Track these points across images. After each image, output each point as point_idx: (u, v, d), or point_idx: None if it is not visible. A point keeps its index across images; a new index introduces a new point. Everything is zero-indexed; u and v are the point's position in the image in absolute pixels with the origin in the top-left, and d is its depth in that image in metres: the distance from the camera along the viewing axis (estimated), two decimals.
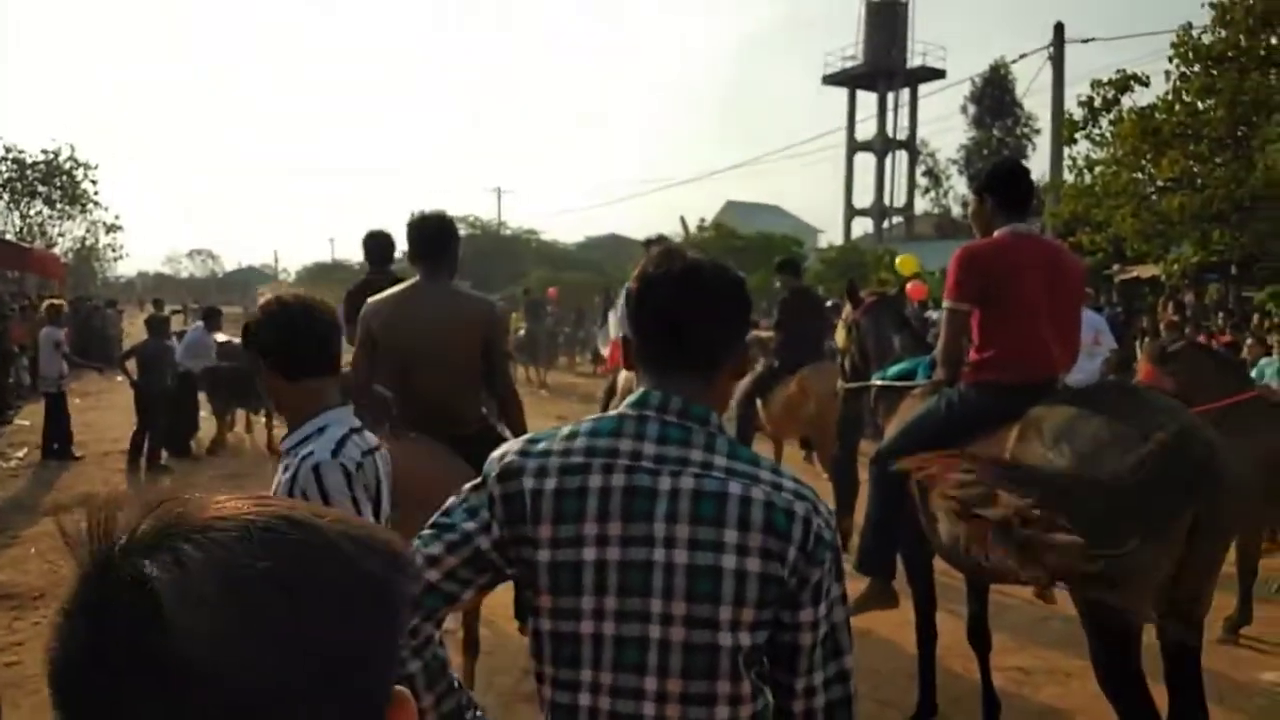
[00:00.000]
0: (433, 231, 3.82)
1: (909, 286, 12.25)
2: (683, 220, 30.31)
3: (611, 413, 1.53)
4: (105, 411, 14.29)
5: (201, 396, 11.26)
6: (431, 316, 3.66)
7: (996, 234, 3.61)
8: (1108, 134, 14.11)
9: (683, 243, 28.76)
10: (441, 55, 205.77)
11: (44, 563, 6.38)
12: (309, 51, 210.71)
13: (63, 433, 10.81)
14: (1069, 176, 15.44)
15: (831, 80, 41.22)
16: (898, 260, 17.79)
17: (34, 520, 7.58)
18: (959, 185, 44.49)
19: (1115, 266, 15.71)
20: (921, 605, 4.13)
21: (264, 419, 11.39)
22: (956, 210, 43.56)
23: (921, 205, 43.44)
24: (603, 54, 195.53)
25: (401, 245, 4.53)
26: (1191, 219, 13.13)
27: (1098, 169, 14.37)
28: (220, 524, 0.60)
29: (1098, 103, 13.86)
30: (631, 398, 1.52)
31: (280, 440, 2.48)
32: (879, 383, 4.53)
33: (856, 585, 4.07)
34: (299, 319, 2.25)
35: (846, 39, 46.45)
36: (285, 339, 2.24)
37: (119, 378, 12.32)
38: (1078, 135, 14.33)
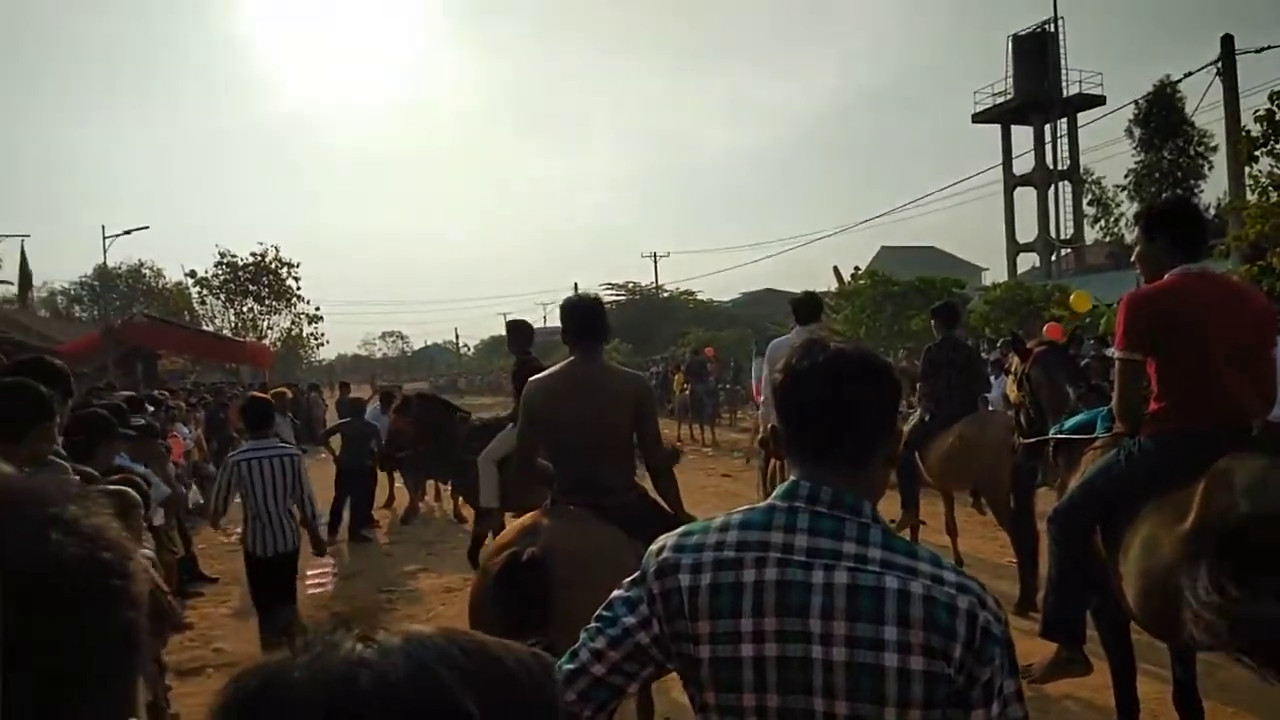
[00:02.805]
0: (586, 313, 4.03)
1: (1046, 327, 11.59)
2: (836, 270, 30.07)
3: (762, 504, 1.53)
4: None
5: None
6: (587, 393, 3.85)
7: (1167, 276, 3.45)
8: None
9: (834, 292, 28.19)
10: (590, 133, 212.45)
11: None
12: (460, 134, 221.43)
13: None
14: (1251, 196, 14.46)
15: (982, 118, 40.11)
16: (1071, 298, 17.04)
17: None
18: (1130, 211, 42.35)
19: None
20: (1119, 672, 3.85)
21: (450, 489, 11.95)
22: (1130, 237, 41.40)
23: (1090, 235, 41.52)
24: (746, 108, 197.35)
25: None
26: None
27: None
28: (412, 633, 0.67)
29: (1279, 115, 12.96)
30: (781, 488, 1.52)
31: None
32: (1056, 436, 4.36)
33: (1048, 648, 3.88)
34: None
35: (995, 74, 45.10)
36: None
37: (323, 454, 13.26)
38: (1257, 153, 13.43)
